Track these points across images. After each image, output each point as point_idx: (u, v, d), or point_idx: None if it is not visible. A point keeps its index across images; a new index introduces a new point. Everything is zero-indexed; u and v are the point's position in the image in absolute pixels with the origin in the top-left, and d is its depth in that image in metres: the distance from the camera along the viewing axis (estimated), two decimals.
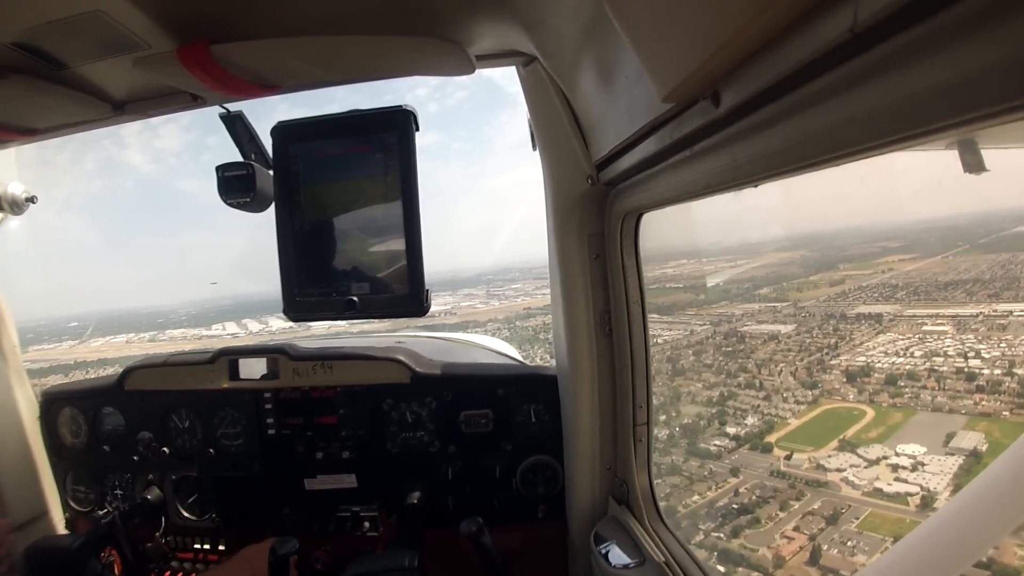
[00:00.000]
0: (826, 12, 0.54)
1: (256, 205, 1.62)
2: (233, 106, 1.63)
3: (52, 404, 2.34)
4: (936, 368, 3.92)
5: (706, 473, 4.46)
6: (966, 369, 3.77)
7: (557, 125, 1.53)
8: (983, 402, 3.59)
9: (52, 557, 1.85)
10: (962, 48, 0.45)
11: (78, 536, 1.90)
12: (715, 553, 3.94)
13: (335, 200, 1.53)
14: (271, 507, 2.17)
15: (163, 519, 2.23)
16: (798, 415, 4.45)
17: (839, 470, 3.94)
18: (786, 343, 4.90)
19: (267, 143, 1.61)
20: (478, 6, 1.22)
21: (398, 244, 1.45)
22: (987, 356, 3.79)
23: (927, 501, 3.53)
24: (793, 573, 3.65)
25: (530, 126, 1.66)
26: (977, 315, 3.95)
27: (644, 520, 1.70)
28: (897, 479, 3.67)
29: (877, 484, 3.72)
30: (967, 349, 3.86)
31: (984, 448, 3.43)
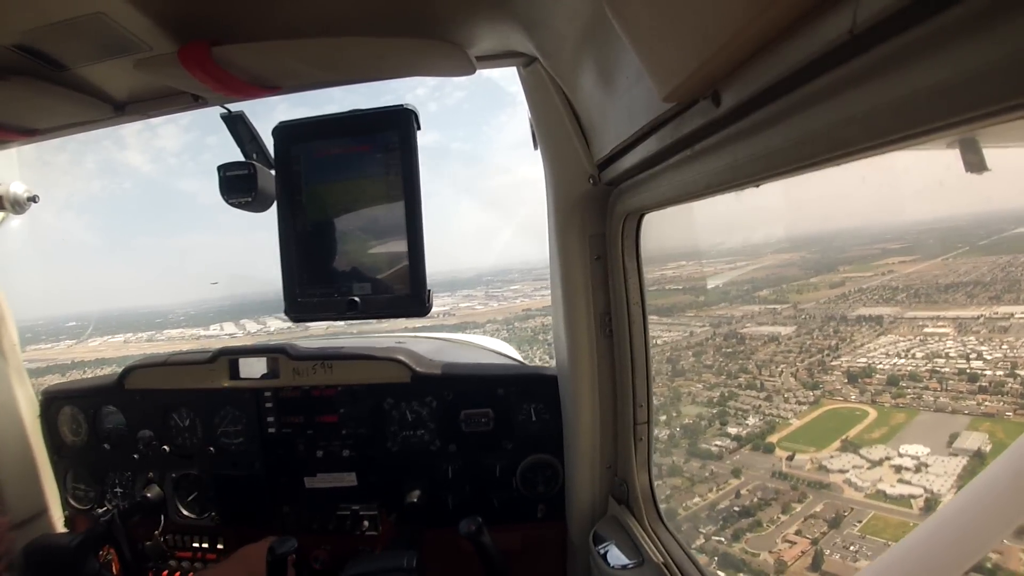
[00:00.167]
0: (826, 13, 0.54)
1: (258, 205, 1.62)
2: (234, 106, 1.63)
3: (52, 403, 2.35)
4: (938, 369, 3.91)
5: (707, 474, 4.44)
6: (968, 370, 3.76)
7: (558, 125, 1.53)
8: (986, 403, 3.58)
9: (50, 555, 1.85)
10: (962, 48, 0.45)
11: (76, 534, 1.91)
12: (716, 558, 3.91)
13: (337, 200, 1.53)
14: (271, 505, 2.17)
15: (163, 517, 2.23)
16: (799, 416, 4.44)
17: (841, 471, 3.91)
18: (786, 344, 4.90)
19: (268, 143, 1.61)
20: (478, 7, 1.22)
21: (400, 244, 1.46)
22: (989, 358, 3.77)
23: (931, 503, 3.49)
24: None
25: (531, 126, 1.66)
26: (978, 317, 3.94)
27: (644, 520, 1.70)
28: (900, 480, 3.63)
29: (880, 486, 3.68)
30: (969, 351, 3.85)
31: (988, 449, 3.42)
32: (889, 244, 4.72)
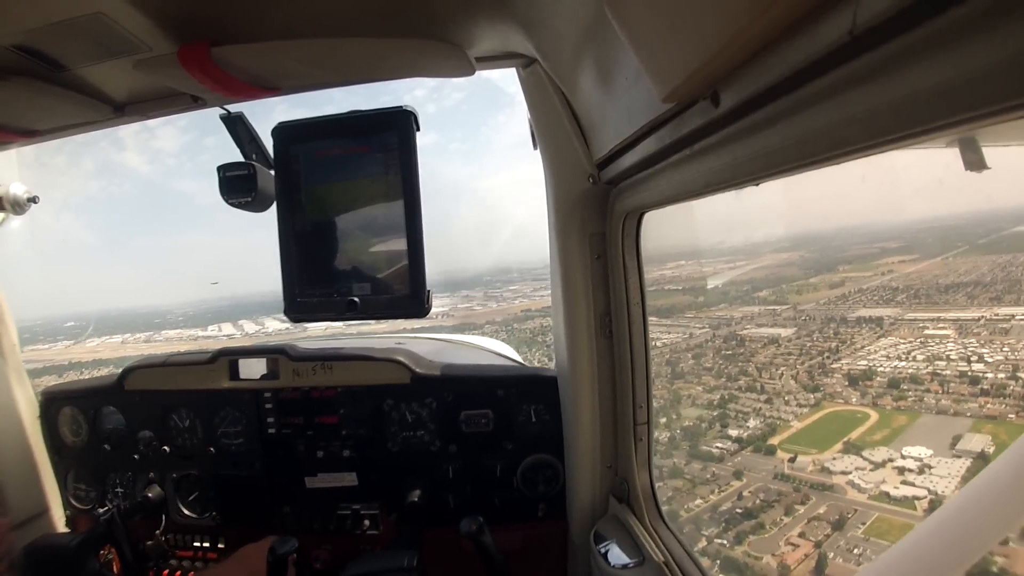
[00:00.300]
0: (826, 13, 0.54)
1: (257, 205, 1.62)
2: (233, 107, 1.63)
3: (52, 403, 2.35)
4: (939, 372, 3.89)
5: (708, 476, 4.43)
6: (969, 373, 3.74)
7: (557, 125, 1.53)
8: (988, 405, 3.57)
9: (51, 555, 1.85)
10: (962, 49, 0.45)
11: (77, 534, 1.91)
12: (718, 560, 3.89)
13: (336, 200, 1.53)
14: (272, 505, 2.17)
15: (163, 517, 2.23)
16: (800, 418, 4.43)
17: (844, 473, 3.88)
18: (786, 346, 4.89)
19: (267, 143, 1.61)
20: (477, 8, 1.22)
21: (399, 244, 1.45)
22: (990, 360, 3.76)
23: (935, 505, 3.46)
24: None
25: (530, 126, 1.66)
26: (979, 319, 3.94)
27: (644, 519, 1.70)
28: (904, 482, 3.60)
29: (884, 487, 3.66)
30: (970, 353, 3.83)
31: (991, 451, 3.41)
32: (888, 243, 4.72)
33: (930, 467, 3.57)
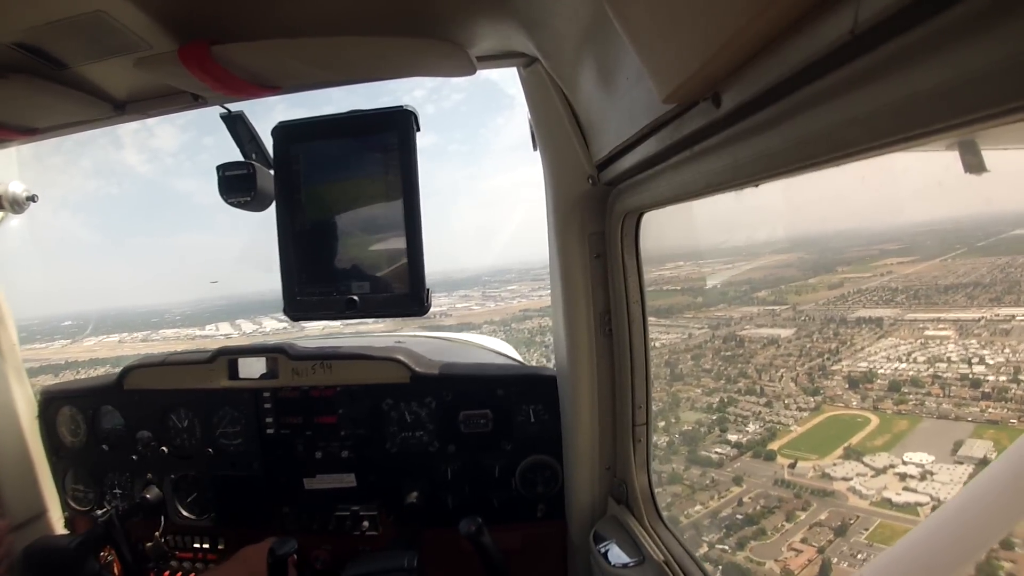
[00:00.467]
0: (826, 13, 0.54)
1: (257, 204, 1.62)
2: (233, 106, 1.63)
3: (51, 403, 2.34)
4: (940, 374, 3.88)
5: (708, 482, 4.40)
6: (970, 376, 3.73)
7: (558, 125, 1.53)
8: (989, 409, 3.55)
9: (50, 557, 1.84)
10: (962, 49, 0.45)
11: (76, 536, 1.90)
12: (720, 566, 3.86)
13: (336, 200, 1.53)
14: (270, 506, 2.16)
15: (162, 518, 2.22)
16: (801, 422, 4.41)
17: (845, 479, 3.86)
18: (786, 348, 4.88)
19: (267, 143, 1.61)
20: (478, 7, 1.22)
21: (399, 243, 1.46)
22: (991, 362, 3.75)
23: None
24: None
25: (531, 126, 1.66)
26: (979, 319, 3.93)
27: (643, 519, 1.70)
28: (906, 488, 3.57)
29: (886, 494, 3.63)
30: (971, 355, 3.82)
31: (993, 456, 3.39)
32: (887, 245, 4.72)
33: (932, 473, 3.54)
